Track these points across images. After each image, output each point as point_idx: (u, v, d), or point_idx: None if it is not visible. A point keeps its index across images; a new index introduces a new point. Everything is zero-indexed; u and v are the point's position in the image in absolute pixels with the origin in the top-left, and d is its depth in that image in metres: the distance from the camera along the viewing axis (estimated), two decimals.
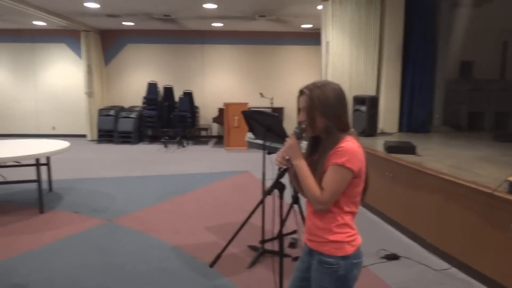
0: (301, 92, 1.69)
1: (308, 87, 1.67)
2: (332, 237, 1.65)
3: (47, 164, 5.49)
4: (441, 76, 6.71)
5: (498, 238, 2.93)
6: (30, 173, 4.86)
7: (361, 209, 1.72)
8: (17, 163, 5.06)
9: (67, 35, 10.50)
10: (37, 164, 4.68)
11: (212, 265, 1.88)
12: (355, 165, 1.59)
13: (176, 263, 3.46)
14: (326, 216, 1.65)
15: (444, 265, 3.42)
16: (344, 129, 1.65)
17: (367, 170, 1.69)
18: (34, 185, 4.73)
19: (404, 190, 4.12)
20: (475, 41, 7.07)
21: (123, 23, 9.43)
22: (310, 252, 1.75)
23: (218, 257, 1.85)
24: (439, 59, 6.61)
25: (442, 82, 6.74)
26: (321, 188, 1.60)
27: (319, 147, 1.70)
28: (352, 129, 1.69)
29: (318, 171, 1.63)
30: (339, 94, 1.67)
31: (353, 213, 1.69)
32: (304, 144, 1.83)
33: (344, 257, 1.64)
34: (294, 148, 1.66)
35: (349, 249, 1.65)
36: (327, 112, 1.63)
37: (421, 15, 6.26)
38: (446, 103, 6.89)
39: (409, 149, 4.44)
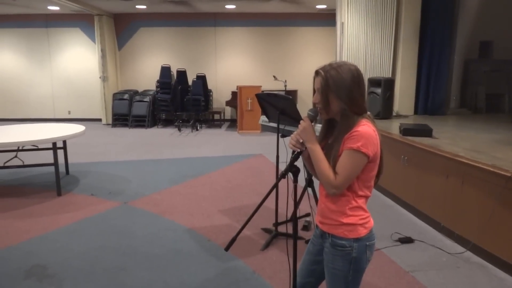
0: (317, 73, 1.65)
1: (324, 67, 1.63)
2: (345, 220, 1.64)
3: (64, 147, 5.57)
4: (459, 57, 6.53)
5: None
6: (47, 157, 4.96)
7: (375, 193, 1.70)
8: (35, 147, 5.15)
9: (80, 19, 10.52)
10: (54, 147, 4.76)
11: (227, 248, 1.90)
12: (370, 150, 1.55)
13: (190, 245, 3.51)
14: (340, 199, 1.64)
15: (459, 248, 3.40)
16: (359, 112, 1.61)
17: (382, 154, 1.66)
18: (51, 169, 4.82)
19: (420, 173, 4.07)
20: (494, 20, 6.84)
21: (136, 6, 9.39)
22: (323, 235, 1.74)
23: (233, 241, 1.86)
24: (457, 39, 6.42)
25: (460, 63, 6.57)
26: (335, 172, 1.58)
27: (333, 130, 1.67)
28: (368, 113, 1.65)
29: (332, 155, 1.60)
30: (356, 76, 1.60)
31: (366, 197, 1.67)
32: (318, 126, 1.81)
33: (357, 239, 1.64)
34: (308, 131, 1.63)
35: (362, 231, 1.64)
36: (341, 94, 1.58)
37: None
38: (464, 84, 6.72)
39: (426, 132, 4.37)
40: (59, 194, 4.79)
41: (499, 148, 3.84)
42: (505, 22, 6.97)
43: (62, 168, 5.49)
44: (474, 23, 6.67)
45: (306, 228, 3.80)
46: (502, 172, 2.97)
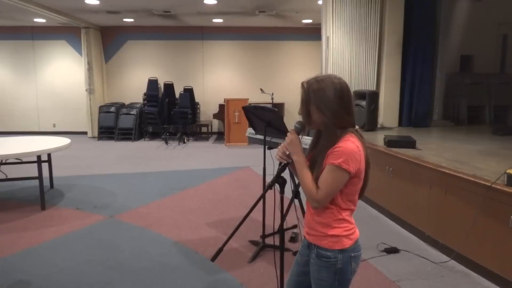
0: (302, 85, 1.68)
1: (308, 80, 1.66)
2: (330, 232, 1.65)
3: (48, 161, 5.50)
4: (441, 71, 6.70)
5: (497, 230, 2.95)
6: (31, 170, 4.89)
7: (361, 203, 1.73)
8: (19, 160, 5.08)
9: (67, 32, 10.50)
10: (38, 161, 4.70)
11: (213, 259, 1.90)
12: (352, 166, 1.56)
13: (177, 258, 3.49)
14: (325, 212, 1.65)
15: (443, 257, 3.45)
16: (343, 126, 1.62)
17: (368, 169, 1.67)
18: (35, 182, 4.75)
19: (404, 184, 4.14)
20: (475, 35, 7.07)
21: (124, 19, 9.42)
22: (309, 246, 1.75)
23: (220, 251, 1.87)
24: (439, 53, 6.60)
25: (442, 76, 6.74)
26: (317, 186, 1.59)
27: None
28: (356, 127, 1.66)
29: (316, 168, 1.62)
30: (339, 90, 1.61)
31: (351, 210, 1.68)
32: (305, 139, 1.84)
33: (342, 251, 1.64)
34: (295, 144, 1.66)
35: (347, 243, 1.65)
36: (322, 107, 1.60)
37: (421, 9, 6.25)
38: (446, 97, 6.89)
39: (409, 143, 4.46)
40: (43, 208, 4.72)
41: (481, 158, 3.94)
42: (484, 37, 7.21)
43: (46, 182, 5.40)
44: (455, 38, 6.88)
45: (293, 239, 3.81)
46: (483, 182, 3.04)
